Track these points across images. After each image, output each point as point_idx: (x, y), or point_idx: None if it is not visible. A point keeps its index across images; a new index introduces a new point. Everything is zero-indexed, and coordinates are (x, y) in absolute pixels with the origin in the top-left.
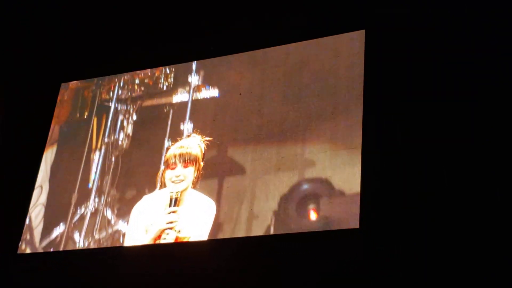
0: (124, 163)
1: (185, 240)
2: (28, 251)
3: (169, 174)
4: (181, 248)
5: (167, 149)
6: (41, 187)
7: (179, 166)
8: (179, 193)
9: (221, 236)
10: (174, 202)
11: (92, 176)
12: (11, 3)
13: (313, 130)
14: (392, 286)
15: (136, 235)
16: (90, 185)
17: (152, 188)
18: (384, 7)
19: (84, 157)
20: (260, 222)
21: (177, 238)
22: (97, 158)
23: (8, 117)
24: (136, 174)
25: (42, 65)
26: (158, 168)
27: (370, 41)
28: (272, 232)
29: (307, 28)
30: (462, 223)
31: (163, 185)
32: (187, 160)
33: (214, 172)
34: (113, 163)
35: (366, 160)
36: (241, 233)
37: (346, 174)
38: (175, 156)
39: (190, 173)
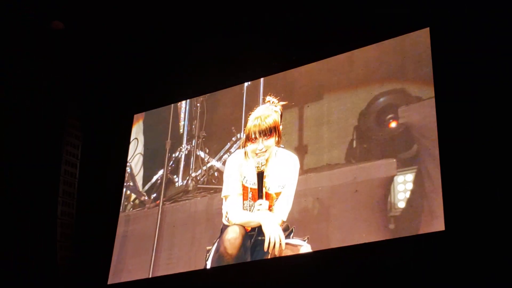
0: (209, 106)
1: (274, 194)
2: (132, 196)
3: (251, 147)
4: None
5: (246, 118)
6: (137, 139)
7: (260, 140)
8: (265, 165)
9: (306, 162)
10: (261, 175)
11: (182, 122)
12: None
13: None
14: None
15: (232, 185)
16: (181, 130)
17: (238, 128)
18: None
19: (172, 107)
20: (342, 141)
21: (267, 194)
22: (184, 105)
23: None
24: (221, 115)
25: (116, 99)
26: (241, 114)
27: (435, 39)
28: (354, 145)
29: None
30: None
31: (244, 147)
32: (267, 133)
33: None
34: (198, 108)
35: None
36: (325, 158)
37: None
38: (255, 132)
39: (271, 142)
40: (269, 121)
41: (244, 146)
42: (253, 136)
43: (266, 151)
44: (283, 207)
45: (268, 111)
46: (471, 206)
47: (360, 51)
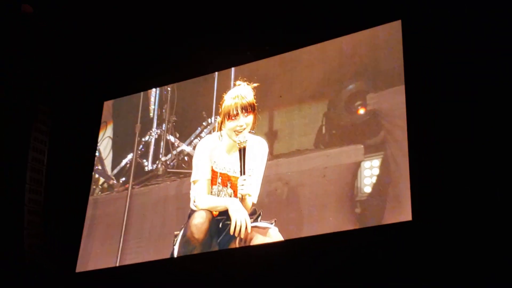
0: (180, 91)
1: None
2: (101, 180)
3: (231, 125)
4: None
5: (221, 99)
6: (106, 122)
7: (241, 116)
8: (246, 142)
9: (276, 148)
10: (243, 151)
11: (152, 106)
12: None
13: None
14: None
15: (201, 170)
16: (151, 114)
17: (209, 113)
18: None
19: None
20: (311, 128)
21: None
22: (154, 89)
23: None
24: (191, 100)
25: (85, 86)
26: (212, 98)
27: (407, 31)
28: (324, 131)
29: (342, 23)
30: None
31: (220, 130)
32: (249, 109)
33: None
34: (169, 92)
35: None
36: (295, 143)
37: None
38: (236, 107)
39: (250, 120)
40: (249, 98)
41: (220, 128)
42: (234, 112)
43: (245, 128)
44: (254, 191)
45: (245, 90)
46: (438, 195)
47: (333, 42)
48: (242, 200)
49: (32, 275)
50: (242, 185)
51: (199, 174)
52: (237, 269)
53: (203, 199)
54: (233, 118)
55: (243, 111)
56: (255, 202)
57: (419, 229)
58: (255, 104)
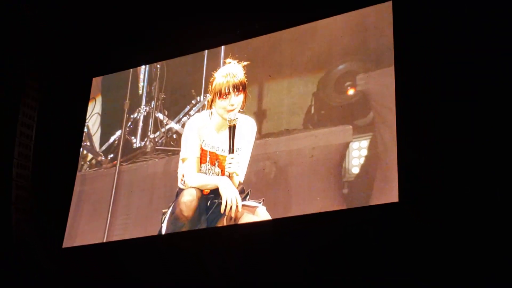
0: (169, 69)
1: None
2: (89, 156)
3: (222, 103)
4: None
5: (211, 77)
6: (94, 99)
7: (232, 95)
8: (236, 120)
9: (265, 127)
10: (233, 129)
11: (141, 83)
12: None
13: None
14: None
15: (190, 148)
16: (140, 91)
17: (198, 91)
18: None
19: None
20: (300, 107)
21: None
22: (143, 67)
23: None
24: (181, 78)
25: (74, 61)
26: (201, 77)
27: (398, 13)
28: (312, 111)
29: (333, 4)
30: None
31: (210, 108)
32: (240, 88)
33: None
34: (158, 69)
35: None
36: (283, 123)
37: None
38: (228, 86)
39: (241, 99)
40: (240, 77)
41: (210, 106)
42: (226, 91)
43: (236, 107)
44: (241, 169)
45: (236, 68)
46: (425, 177)
47: (324, 22)
48: (229, 178)
49: (19, 250)
50: (230, 163)
51: (188, 152)
52: (224, 247)
53: (192, 177)
54: (224, 97)
55: (235, 90)
56: (242, 181)
57: (405, 210)
58: (246, 83)
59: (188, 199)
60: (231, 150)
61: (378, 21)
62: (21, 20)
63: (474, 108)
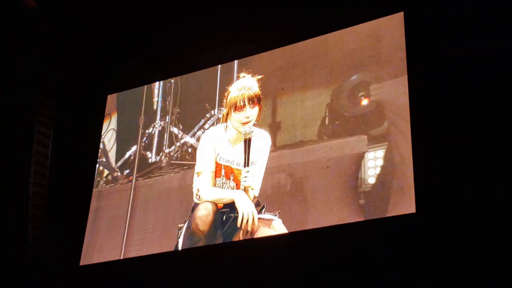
0: (183, 83)
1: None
2: (105, 172)
3: (237, 116)
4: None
5: (227, 92)
6: (110, 115)
7: (248, 107)
8: (251, 133)
9: (279, 139)
10: (248, 143)
11: (155, 98)
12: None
13: None
14: None
15: (206, 162)
16: (155, 106)
17: (212, 105)
18: None
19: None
20: (314, 119)
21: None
22: (157, 82)
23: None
24: (195, 92)
25: (89, 79)
26: (215, 90)
27: (409, 23)
28: (327, 122)
29: (344, 16)
30: None
31: (225, 121)
32: (255, 101)
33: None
34: (173, 84)
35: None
36: (298, 135)
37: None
38: (243, 99)
39: (255, 112)
40: (255, 90)
41: (225, 119)
42: (241, 104)
43: (251, 120)
44: (256, 184)
45: (250, 81)
46: (442, 185)
47: (335, 34)
48: (245, 192)
49: (37, 269)
50: (245, 177)
51: (204, 166)
52: (241, 261)
53: (207, 191)
54: (239, 109)
55: (250, 102)
56: (257, 195)
57: (423, 221)
58: (261, 96)
59: (204, 214)
60: (247, 163)
61: (390, 31)
62: (35, 38)
63: (488, 114)
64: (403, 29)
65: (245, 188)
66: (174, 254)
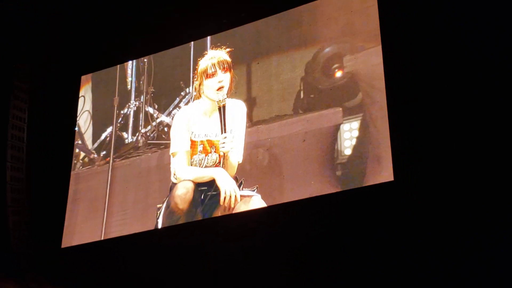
0: (156, 62)
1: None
2: (81, 155)
3: (210, 82)
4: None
5: (196, 64)
6: (84, 97)
7: (219, 72)
8: (225, 100)
9: (255, 114)
10: (223, 109)
11: (129, 78)
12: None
13: None
14: None
15: (180, 141)
16: (129, 86)
17: (187, 83)
18: None
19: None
20: (289, 93)
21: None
22: (130, 61)
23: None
24: (168, 70)
25: (62, 61)
26: (189, 68)
27: None
28: (302, 96)
29: None
30: None
31: (199, 95)
32: (225, 66)
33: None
34: (146, 63)
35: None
36: (274, 109)
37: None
38: (213, 65)
39: (228, 77)
40: (225, 57)
41: (199, 90)
42: (212, 70)
43: (224, 86)
44: (237, 150)
45: (219, 52)
46: (419, 155)
47: (308, 6)
48: (226, 159)
49: (18, 253)
50: (223, 142)
51: (177, 146)
52: (222, 237)
53: (185, 171)
54: (211, 76)
55: (220, 66)
56: (240, 161)
57: (401, 189)
58: (231, 63)
59: (183, 192)
60: (223, 130)
61: (363, 3)
62: (7, 22)
63: (464, 84)
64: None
65: (224, 154)
66: (155, 232)
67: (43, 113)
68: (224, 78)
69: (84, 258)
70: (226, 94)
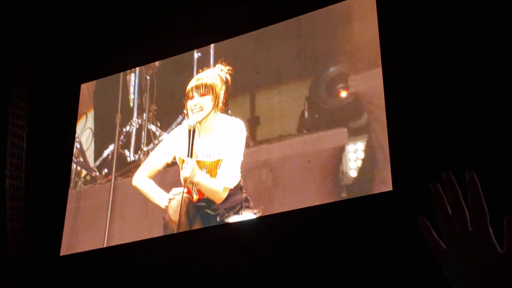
0: (159, 79)
1: (219, 161)
2: (83, 172)
3: (189, 104)
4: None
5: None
6: (86, 114)
7: (196, 96)
8: (198, 124)
9: (259, 134)
10: (192, 133)
11: (131, 95)
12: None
13: None
14: None
15: (157, 157)
16: (131, 104)
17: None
18: None
19: (121, 80)
20: (293, 112)
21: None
22: (133, 78)
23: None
24: (171, 88)
25: (61, 69)
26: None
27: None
28: (306, 116)
29: None
30: None
31: (187, 115)
32: (203, 90)
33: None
34: (148, 81)
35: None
36: (277, 129)
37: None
38: (191, 88)
39: (207, 101)
40: (206, 80)
41: (185, 106)
42: (190, 94)
43: (202, 110)
44: (226, 174)
45: (209, 73)
46: (417, 170)
47: (307, 16)
48: (195, 185)
49: (16, 261)
50: (184, 168)
51: (150, 160)
52: (222, 246)
53: (142, 180)
54: (190, 98)
55: (197, 90)
56: (231, 186)
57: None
58: (216, 86)
59: (175, 204)
60: (189, 154)
61: (362, 12)
62: (4, 24)
63: (464, 101)
64: (376, 9)
65: (184, 179)
66: (154, 241)
67: (43, 120)
68: (201, 102)
69: (83, 266)
70: (214, 107)
